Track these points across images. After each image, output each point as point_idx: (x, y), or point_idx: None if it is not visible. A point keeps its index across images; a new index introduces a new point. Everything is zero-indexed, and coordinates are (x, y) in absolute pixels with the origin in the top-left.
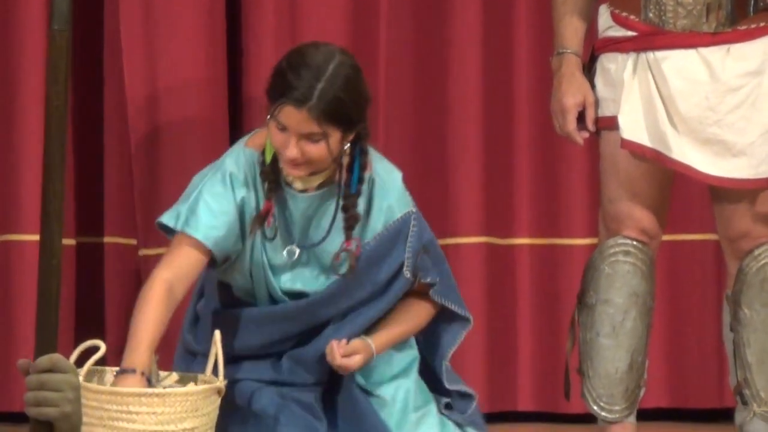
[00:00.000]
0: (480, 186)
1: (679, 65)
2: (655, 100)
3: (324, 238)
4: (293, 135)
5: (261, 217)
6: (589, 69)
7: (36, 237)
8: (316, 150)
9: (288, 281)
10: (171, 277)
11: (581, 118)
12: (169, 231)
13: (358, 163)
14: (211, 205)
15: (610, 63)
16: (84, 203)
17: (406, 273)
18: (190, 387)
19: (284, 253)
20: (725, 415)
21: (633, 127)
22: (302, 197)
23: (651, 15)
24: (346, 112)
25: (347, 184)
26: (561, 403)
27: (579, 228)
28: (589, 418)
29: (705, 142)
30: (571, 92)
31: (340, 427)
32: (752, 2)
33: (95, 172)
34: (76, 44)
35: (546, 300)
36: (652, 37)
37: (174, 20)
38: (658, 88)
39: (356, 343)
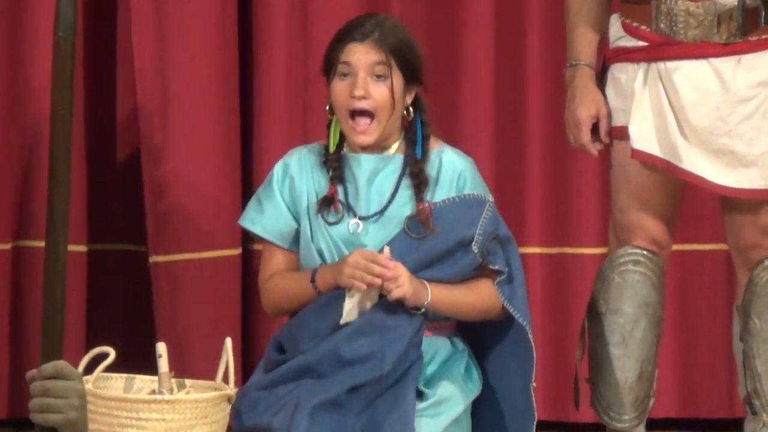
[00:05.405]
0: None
1: (690, 75)
2: (666, 110)
3: (386, 206)
4: (360, 70)
5: (327, 200)
6: (600, 79)
7: None
8: (381, 90)
9: None
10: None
11: (595, 129)
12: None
13: (419, 128)
14: (261, 202)
15: (620, 73)
16: (96, 210)
17: (474, 248)
18: (200, 394)
19: (348, 227)
20: (735, 425)
21: (643, 137)
22: (367, 158)
23: (662, 25)
24: (407, 54)
25: (413, 152)
26: (570, 412)
27: (589, 237)
28: (599, 428)
29: (715, 153)
30: (585, 104)
31: (377, 411)
32: (763, 13)
33: (107, 180)
34: (89, 52)
35: (556, 309)
36: (663, 48)
37: (185, 27)
38: (668, 98)
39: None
